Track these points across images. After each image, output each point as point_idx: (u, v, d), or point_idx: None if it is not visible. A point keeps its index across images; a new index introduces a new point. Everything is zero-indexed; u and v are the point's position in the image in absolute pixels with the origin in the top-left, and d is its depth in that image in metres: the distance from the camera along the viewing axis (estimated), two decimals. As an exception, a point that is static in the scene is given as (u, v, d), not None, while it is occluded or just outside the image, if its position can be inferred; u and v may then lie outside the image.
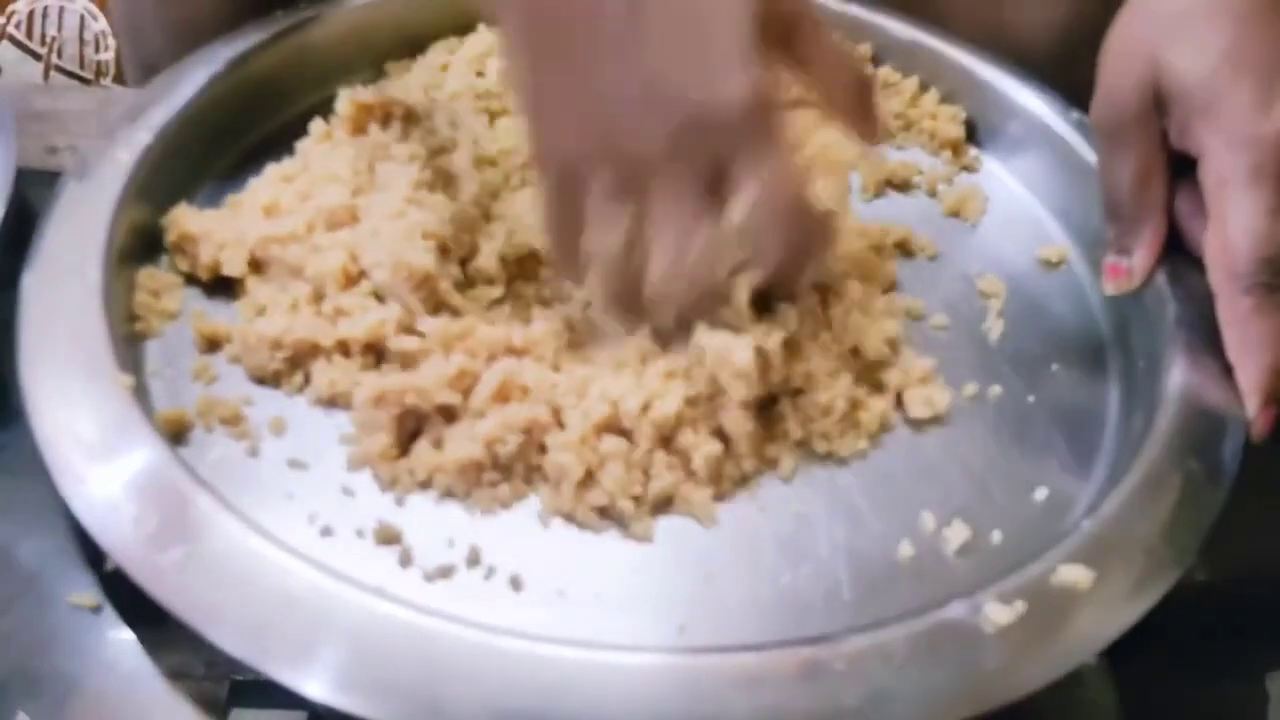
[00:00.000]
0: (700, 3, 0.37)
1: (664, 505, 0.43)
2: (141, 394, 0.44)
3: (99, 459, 0.40)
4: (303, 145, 0.53)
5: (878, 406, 0.46)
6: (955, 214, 0.56)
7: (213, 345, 0.46)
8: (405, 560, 0.41)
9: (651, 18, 0.36)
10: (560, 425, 0.43)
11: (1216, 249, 0.45)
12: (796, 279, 0.44)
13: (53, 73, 0.83)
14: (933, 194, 0.57)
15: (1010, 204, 0.57)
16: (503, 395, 0.43)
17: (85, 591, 0.41)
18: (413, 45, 0.58)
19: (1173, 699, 0.42)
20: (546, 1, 0.38)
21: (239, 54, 0.54)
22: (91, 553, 0.40)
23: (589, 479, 0.42)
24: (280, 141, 0.53)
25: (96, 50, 0.83)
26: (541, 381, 0.43)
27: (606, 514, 0.42)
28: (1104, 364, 0.50)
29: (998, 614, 0.37)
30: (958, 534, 0.43)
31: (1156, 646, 0.41)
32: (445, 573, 0.41)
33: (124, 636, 0.40)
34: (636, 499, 0.42)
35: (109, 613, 0.41)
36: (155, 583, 0.37)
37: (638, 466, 0.42)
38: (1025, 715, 0.39)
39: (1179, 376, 0.45)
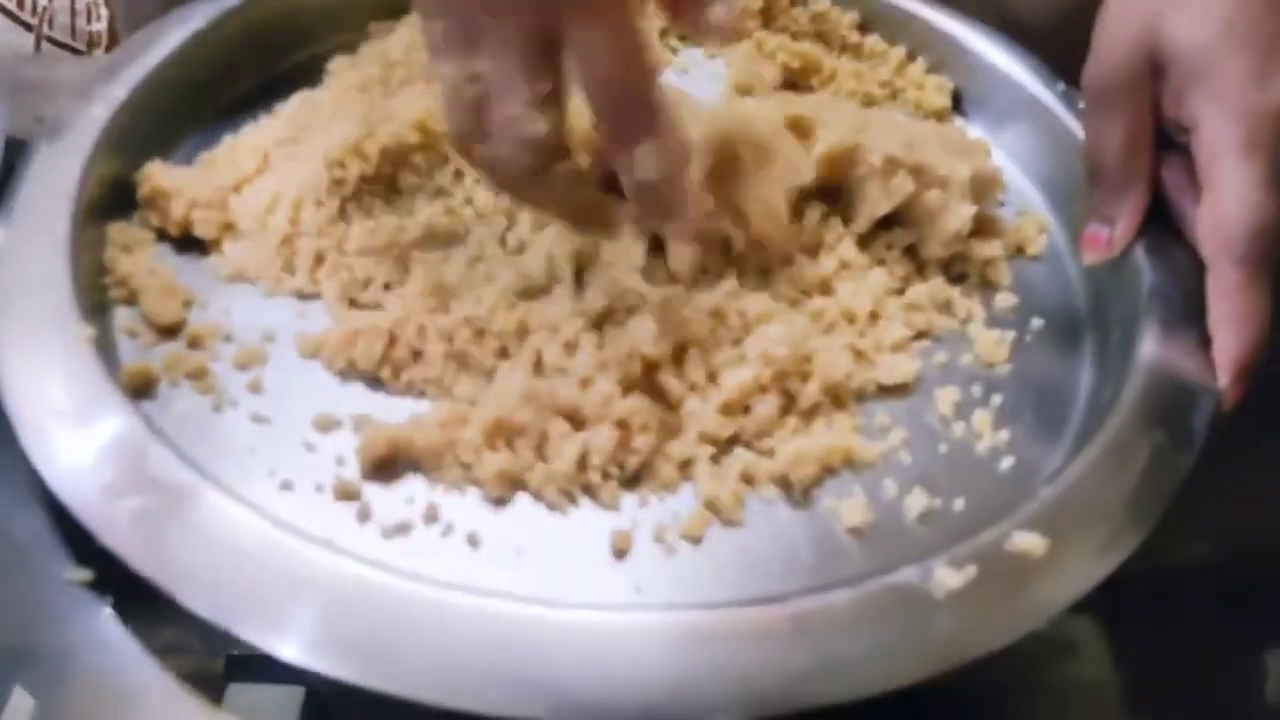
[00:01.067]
0: None
1: (634, 481, 0.43)
2: (109, 349, 0.44)
3: (60, 411, 0.40)
4: (281, 106, 0.53)
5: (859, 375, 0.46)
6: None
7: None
8: (363, 516, 0.41)
9: None
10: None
11: (1210, 220, 0.45)
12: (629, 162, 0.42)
13: (44, 43, 0.83)
14: None
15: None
16: None
17: (79, 568, 0.40)
18: (395, 5, 0.58)
19: (1173, 673, 0.42)
20: None
21: (218, 13, 0.54)
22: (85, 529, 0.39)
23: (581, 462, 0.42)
24: (258, 101, 0.54)
25: (88, 21, 0.83)
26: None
27: (570, 494, 0.42)
28: (1079, 336, 0.50)
29: (948, 578, 0.37)
30: (918, 501, 0.42)
31: (1157, 621, 0.41)
32: (402, 529, 0.41)
33: (119, 612, 0.40)
34: (606, 475, 0.42)
35: (104, 588, 0.40)
36: (109, 533, 0.38)
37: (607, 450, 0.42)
38: (1023, 687, 0.40)
39: (1150, 347, 0.45)
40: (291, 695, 0.38)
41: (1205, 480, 0.42)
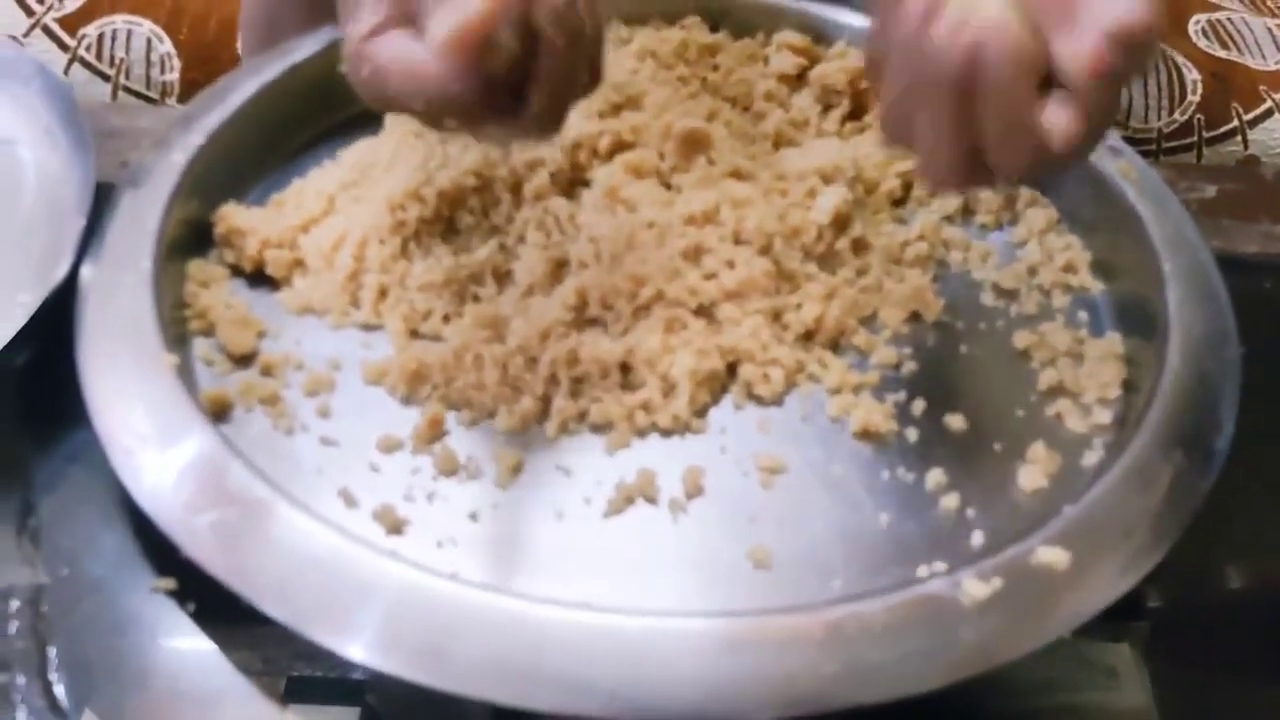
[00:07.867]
0: None
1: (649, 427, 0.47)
2: (189, 377, 0.47)
3: (145, 434, 0.44)
4: (344, 152, 0.57)
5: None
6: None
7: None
8: (421, 528, 0.43)
9: None
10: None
11: None
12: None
13: (120, 93, 0.87)
14: None
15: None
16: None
17: (163, 580, 0.43)
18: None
19: (1209, 702, 0.43)
20: None
21: (286, 66, 0.58)
22: (168, 547, 0.42)
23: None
24: (323, 147, 0.57)
25: (162, 71, 0.87)
26: None
27: (599, 428, 0.47)
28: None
29: (975, 589, 0.39)
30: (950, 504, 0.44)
31: (1196, 648, 0.43)
32: (458, 541, 0.43)
33: (195, 628, 0.42)
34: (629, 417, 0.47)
35: (183, 604, 0.43)
36: (191, 544, 0.41)
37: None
38: (1061, 715, 0.41)
39: (1172, 369, 0.47)
40: (347, 716, 0.40)
41: (1244, 507, 0.44)
